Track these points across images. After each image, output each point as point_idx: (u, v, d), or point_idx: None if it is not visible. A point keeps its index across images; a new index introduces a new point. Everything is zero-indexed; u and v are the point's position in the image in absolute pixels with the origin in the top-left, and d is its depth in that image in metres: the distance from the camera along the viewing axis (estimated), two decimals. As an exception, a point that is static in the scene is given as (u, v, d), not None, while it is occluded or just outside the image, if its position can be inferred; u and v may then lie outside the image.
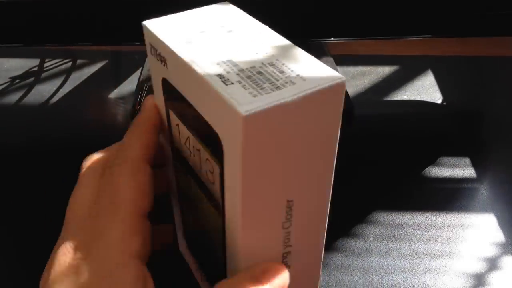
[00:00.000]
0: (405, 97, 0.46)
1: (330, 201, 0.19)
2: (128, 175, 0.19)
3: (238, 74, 0.17)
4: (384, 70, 0.50)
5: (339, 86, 0.16)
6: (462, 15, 0.38)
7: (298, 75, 0.16)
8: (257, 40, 0.19)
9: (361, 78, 0.49)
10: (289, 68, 0.17)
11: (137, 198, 0.19)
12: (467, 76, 0.51)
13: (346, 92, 0.43)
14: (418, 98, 0.46)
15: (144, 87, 0.42)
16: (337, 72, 0.16)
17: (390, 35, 0.40)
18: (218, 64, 0.17)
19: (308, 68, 0.17)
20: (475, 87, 0.49)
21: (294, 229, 0.19)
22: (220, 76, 0.16)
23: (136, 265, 0.18)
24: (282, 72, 0.17)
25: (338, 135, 0.17)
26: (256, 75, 0.17)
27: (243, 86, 0.16)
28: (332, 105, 0.16)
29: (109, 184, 0.19)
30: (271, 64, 0.17)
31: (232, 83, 0.16)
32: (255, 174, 0.16)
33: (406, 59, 0.52)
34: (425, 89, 0.47)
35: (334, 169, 0.18)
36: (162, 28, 0.19)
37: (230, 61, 0.17)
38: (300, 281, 0.20)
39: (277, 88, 0.16)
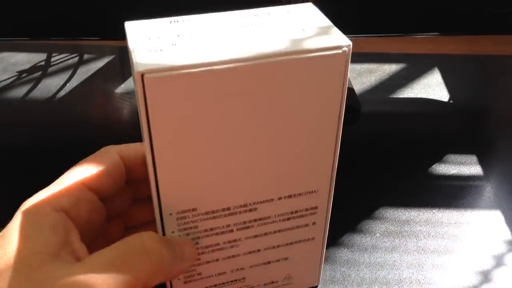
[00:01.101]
0: (411, 95, 0.46)
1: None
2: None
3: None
4: (391, 68, 0.50)
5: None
6: (470, 13, 0.38)
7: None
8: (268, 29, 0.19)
9: (367, 76, 0.48)
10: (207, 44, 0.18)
11: (84, 173, 0.21)
12: (474, 74, 0.50)
13: (353, 90, 0.43)
14: (424, 96, 0.46)
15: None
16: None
17: (397, 32, 0.40)
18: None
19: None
20: (482, 85, 0.49)
21: None
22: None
23: (57, 215, 0.19)
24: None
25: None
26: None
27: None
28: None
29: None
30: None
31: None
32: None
33: (412, 57, 0.52)
34: (432, 87, 0.47)
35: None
36: None
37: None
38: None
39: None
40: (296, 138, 0.20)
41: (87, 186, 0.21)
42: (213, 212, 0.21)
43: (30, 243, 0.18)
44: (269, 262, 0.24)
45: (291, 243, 0.24)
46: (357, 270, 0.30)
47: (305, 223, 0.23)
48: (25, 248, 0.18)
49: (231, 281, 0.24)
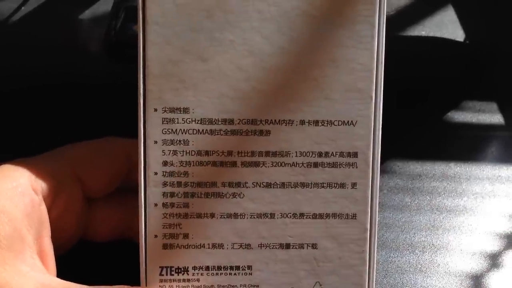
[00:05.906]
0: (423, 33, 0.42)
1: None
2: None
3: None
4: (399, 2, 0.45)
5: None
6: None
7: None
8: None
9: (372, 11, 0.44)
10: None
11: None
12: (492, 12, 0.47)
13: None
14: (437, 35, 0.42)
15: (121, 10, 0.38)
16: None
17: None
18: None
19: None
20: (500, 24, 0.45)
21: None
22: None
23: (36, 200, 0.17)
24: None
25: None
26: None
27: None
28: None
29: None
30: None
31: None
32: None
33: (423, -8, 0.48)
34: (445, 26, 0.43)
35: None
36: None
37: None
38: None
39: None
40: (326, 43, 0.18)
41: (77, 176, 0.18)
42: (210, 121, 0.17)
43: None
44: (288, 246, 0.18)
45: (321, 216, 0.18)
46: (362, 232, 0.26)
47: (341, 180, 0.18)
48: None
49: (232, 267, 0.18)
